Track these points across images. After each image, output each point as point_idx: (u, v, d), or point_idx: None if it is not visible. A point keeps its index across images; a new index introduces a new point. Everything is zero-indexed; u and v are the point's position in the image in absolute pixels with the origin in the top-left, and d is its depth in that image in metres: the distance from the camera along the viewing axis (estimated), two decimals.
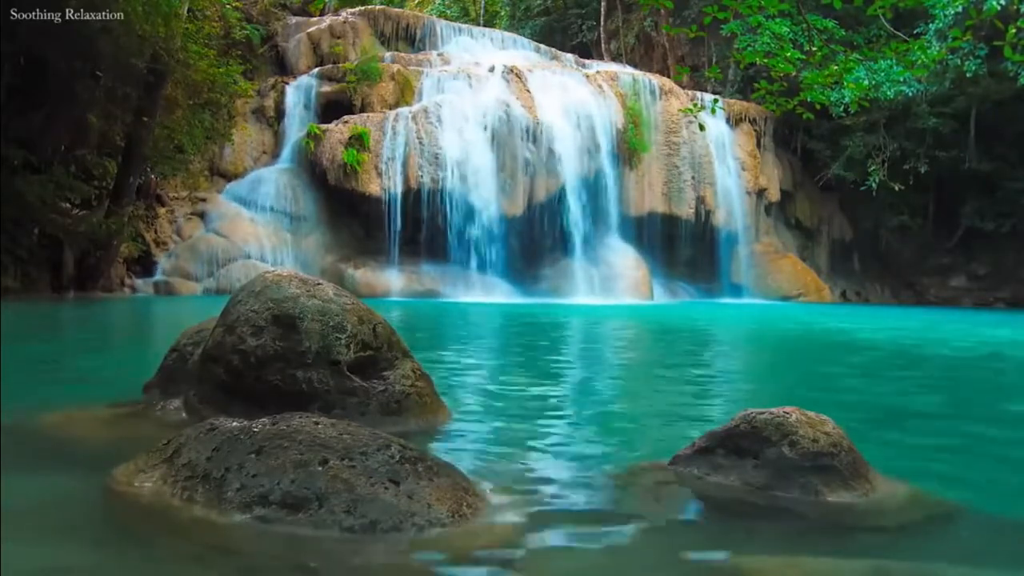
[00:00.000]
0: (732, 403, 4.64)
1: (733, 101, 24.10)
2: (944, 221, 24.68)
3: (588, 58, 26.34)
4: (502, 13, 34.66)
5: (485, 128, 19.78)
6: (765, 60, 8.27)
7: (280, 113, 20.32)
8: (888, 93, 20.58)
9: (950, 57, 19.88)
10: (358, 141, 18.81)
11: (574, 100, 21.15)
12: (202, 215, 18.13)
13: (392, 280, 18.58)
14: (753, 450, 2.56)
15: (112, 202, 15.06)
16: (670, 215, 22.59)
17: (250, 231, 18.04)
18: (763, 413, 2.60)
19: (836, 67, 7.89)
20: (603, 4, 29.49)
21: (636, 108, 22.09)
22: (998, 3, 16.30)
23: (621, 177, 21.74)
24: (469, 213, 19.33)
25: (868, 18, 16.40)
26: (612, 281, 20.37)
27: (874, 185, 23.13)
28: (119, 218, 14.73)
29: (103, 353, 7.31)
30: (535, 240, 20.53)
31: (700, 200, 22.79)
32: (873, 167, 23.26)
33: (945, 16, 19.36)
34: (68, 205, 14.92)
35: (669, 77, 24.57)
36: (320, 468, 2.10)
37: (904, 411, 4.63)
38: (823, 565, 2.00)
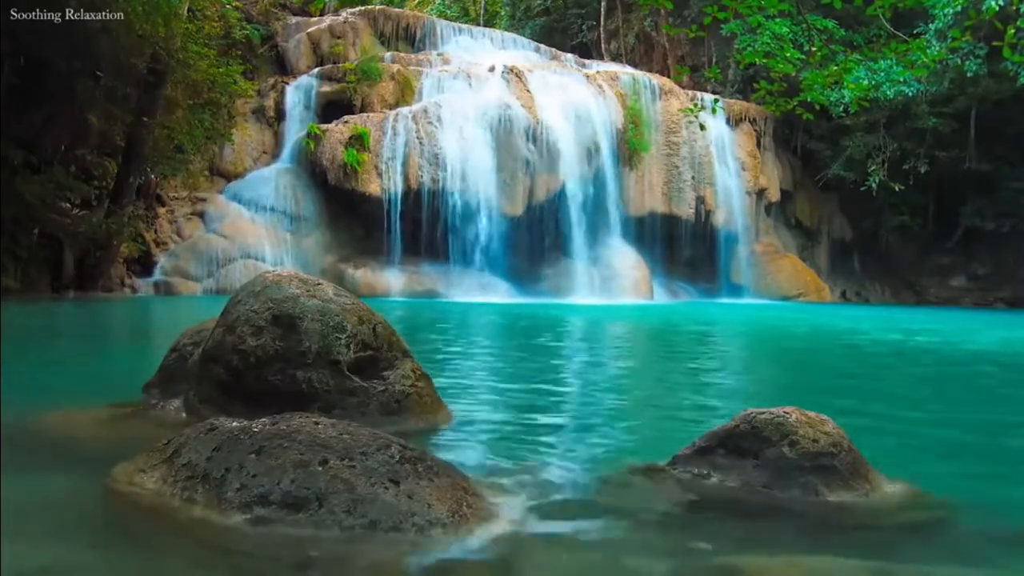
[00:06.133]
0: (732, 403, 4.63)
1: (733, 101, 24.08)
2: (944, 221, 24.66)
3: (588, 58, 26.30)
4: (502, 13, 34.61)
5: (485, 128, 19.75)
6: (765, 60, 8.28)
7: (280, 113, 20.31)
8: (888, 93, 20.57)
9: (950, 57, 19.85)
10: (358, 141, 18.80)
11: (574, 100, 21.12)
12: (202, 215, 18.12)
13: (392, 280, 18.57)
14: (753, 450, 2.56)
15: (112, 202, 15.06)
16: (670, 215, 22.58)
17: (250, 231, 18.03)
18: (763, 413, 2.61)
19: (836, 67, 7.89)
20: (603, 4, 29.47)
21: (636, 108, 22.07)
22: (997, 3, 16.29)
23: (621, 177, 21.72)
24: (469, 213, 19.31)
25: (868, 18, 16.40)
26: (612, 281, 20.36)
27: (874, 185, 23.12)
28: (119, 218, 14.72)
29: (103, 353, 7.30)
30: (535, 240, 20.51)
31: (700, 200, 22.77)
32: (873, 167, 23.25)
33: (945, 16, 19.35)
34: (68, 205, 14.91)
35: (669, 77, 24.54)
36: (320, 468, 2.10)
37: (904, 411, 4.63)
38: (823, 565, 2.00)
